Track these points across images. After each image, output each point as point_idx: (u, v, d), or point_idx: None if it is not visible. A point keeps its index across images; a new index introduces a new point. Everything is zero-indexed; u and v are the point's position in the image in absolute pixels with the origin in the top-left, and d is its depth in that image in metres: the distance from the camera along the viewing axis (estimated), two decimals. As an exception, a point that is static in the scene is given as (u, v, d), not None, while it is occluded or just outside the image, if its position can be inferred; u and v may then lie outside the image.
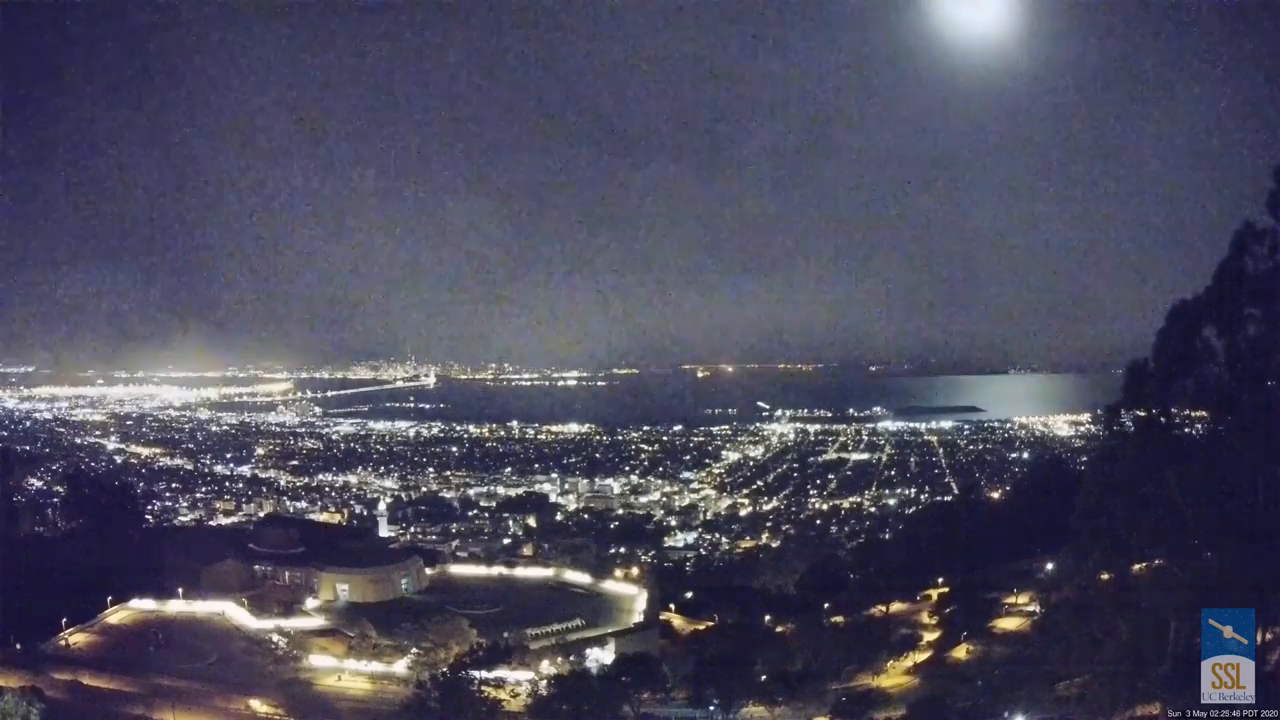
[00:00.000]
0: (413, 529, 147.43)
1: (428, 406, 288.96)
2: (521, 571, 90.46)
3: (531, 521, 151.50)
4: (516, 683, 52.76)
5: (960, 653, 61.61)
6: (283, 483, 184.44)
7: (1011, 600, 69.13)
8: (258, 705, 50.02)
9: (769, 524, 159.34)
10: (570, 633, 69.37)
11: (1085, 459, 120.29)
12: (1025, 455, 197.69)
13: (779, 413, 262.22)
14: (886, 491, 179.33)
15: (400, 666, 58.56)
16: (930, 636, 68.00)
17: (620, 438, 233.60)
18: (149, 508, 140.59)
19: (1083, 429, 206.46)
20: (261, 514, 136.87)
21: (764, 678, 57.76)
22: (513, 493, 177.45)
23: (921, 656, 63.63)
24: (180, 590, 67.56)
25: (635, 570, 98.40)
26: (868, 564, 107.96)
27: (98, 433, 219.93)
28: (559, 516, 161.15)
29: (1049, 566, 64.33)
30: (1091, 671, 35.42)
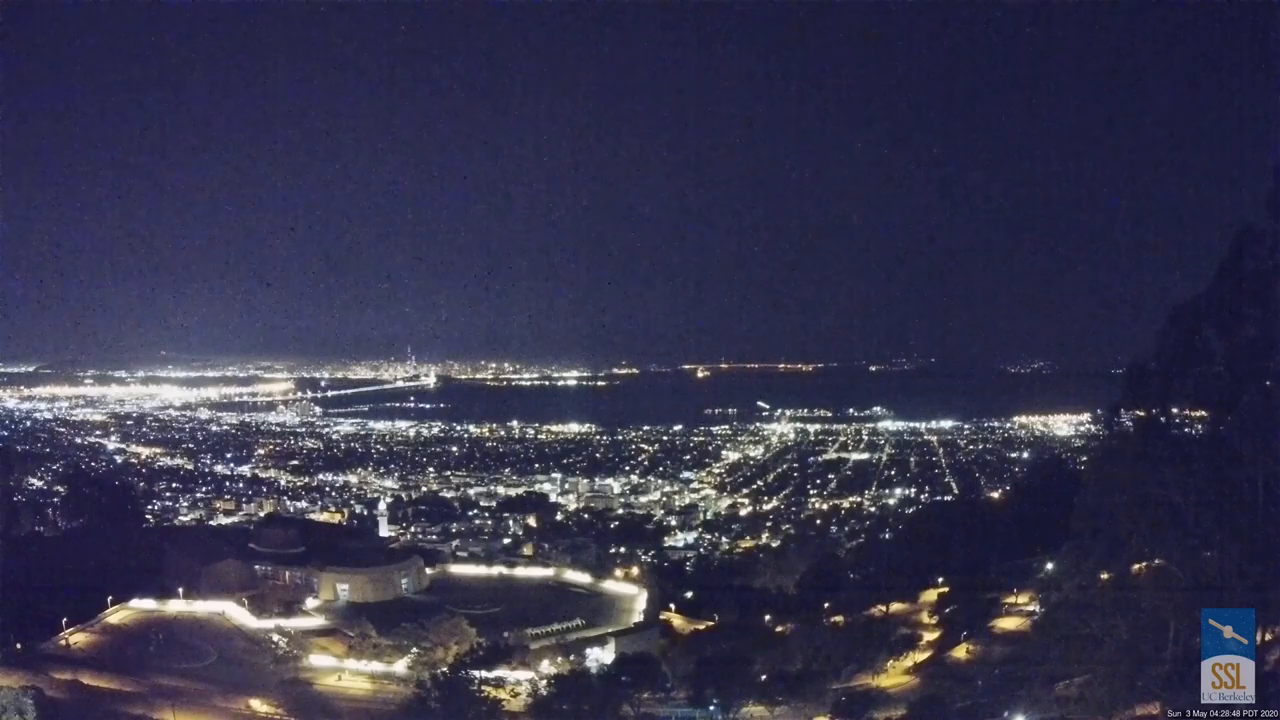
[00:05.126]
0: (413, 529, 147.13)
1: (428, 406, 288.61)
2: (521, 571, 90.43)
3: (531, 521, 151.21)
4: (516, 683, 52.83)
5: (960, 653, 61.56)
6: (283, 483, 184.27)
7: (1011, 600, 69.03)
8: (258, 705, 50.02)
9: (769, 524, 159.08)
10: (570, 633, 69.31)
11: (1085, 459, 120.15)
12: (1025, 455, 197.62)
13: (779, 413, 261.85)
14: (886, 491, 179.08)
15: (400, 666, 58.59)
16: (930, 636, 67.97)
17: (620, 438, 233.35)
18: (149, 508, 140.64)
19: (1084, 428, 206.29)
20: (262, 514, 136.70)
21: (764, 678, 57.77)
22: (513, 493, 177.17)
23: (921, 656, 63.58)
24: (180, 590, 67.63)
25: (635, 570, 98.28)
26: (868, 564, 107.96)
27: (98, 433, 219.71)
28: (559, 516, 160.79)
29: (1049, 566, 64.19)
30: (1091, 671, 35.41)
